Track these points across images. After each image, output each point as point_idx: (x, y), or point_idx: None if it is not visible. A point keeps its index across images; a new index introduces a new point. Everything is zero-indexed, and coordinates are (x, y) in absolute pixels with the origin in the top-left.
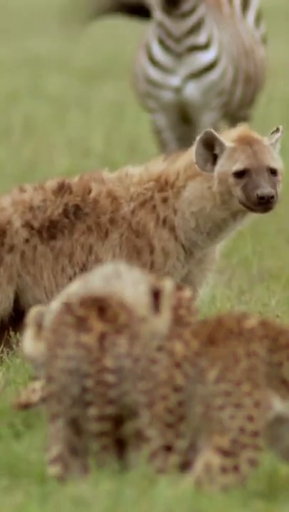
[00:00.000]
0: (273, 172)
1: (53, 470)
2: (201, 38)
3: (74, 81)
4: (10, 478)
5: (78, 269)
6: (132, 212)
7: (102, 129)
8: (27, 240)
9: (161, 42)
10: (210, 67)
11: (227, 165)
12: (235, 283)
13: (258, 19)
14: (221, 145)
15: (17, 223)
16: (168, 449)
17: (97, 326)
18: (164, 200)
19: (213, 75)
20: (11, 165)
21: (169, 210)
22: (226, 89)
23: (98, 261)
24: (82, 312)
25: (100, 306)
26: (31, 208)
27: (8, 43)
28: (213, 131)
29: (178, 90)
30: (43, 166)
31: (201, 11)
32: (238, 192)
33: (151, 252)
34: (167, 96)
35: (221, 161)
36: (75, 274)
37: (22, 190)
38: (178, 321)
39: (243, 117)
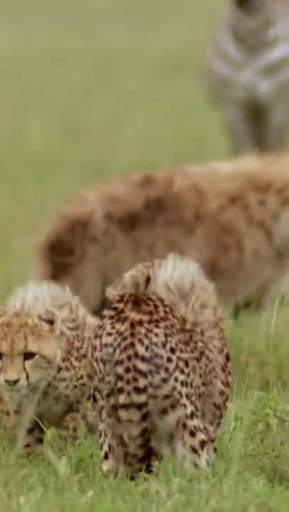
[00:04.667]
0: None
1: (106, 466)
2: (274, 33)
3: (145, 76)
4: (84, 474)
5: None
6: (220, 208)
7: (172, 124)
8: (106, 231)
9: (234, 37)
10: (284, 63)
11: None
12: None
13: None
14: None
15: (98, 214)
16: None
17: (132, 315)
18: (262, 203)
19: (287, 72)
20: (81, 159)
21: (267, 214)
22: None
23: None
24: (119, 305)
25: (137, 299)
26: (114, 200)
27: (79, 38)
28: None
29: (250, 86)
30: (112, 160)
31: (274, 5)
32: None
33: (241, 251)
34: (238, 92)
35: None
36: None
37: (107, 182)
38: None
39: None
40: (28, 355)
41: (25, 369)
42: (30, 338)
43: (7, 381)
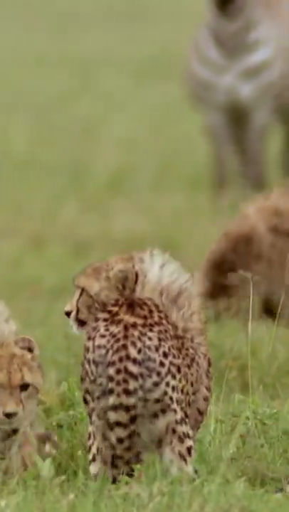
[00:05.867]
0: None
1: (93, 469)
2: (255, 36)
3: (127, 78)
4: (65, 477)
5: None
6: None
7: (155, 126)
8: (273, 245)
9: (215, 41)
10: (265, 66)
11: None
12: None
13: None
14: None
15: (262, 229)
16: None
17: (127, 318)
18: None
19: (268, 75)
20: (65, 161)
21: None
22: (280, 88)
23: None
24: (114, 308)
25: (132, 303)
26: (276, 213)
27: (62, 40)
28: None
29: (230, 89)
30: (96, 163)
31: (255, 8)
32: None
33: None
34: (219, 95)
35: None
36: None
37: (267, 196)
38: None
39: None
40: (23, 387)
41: (21, 401)
42: (24, 369)
43: (7, 414)
